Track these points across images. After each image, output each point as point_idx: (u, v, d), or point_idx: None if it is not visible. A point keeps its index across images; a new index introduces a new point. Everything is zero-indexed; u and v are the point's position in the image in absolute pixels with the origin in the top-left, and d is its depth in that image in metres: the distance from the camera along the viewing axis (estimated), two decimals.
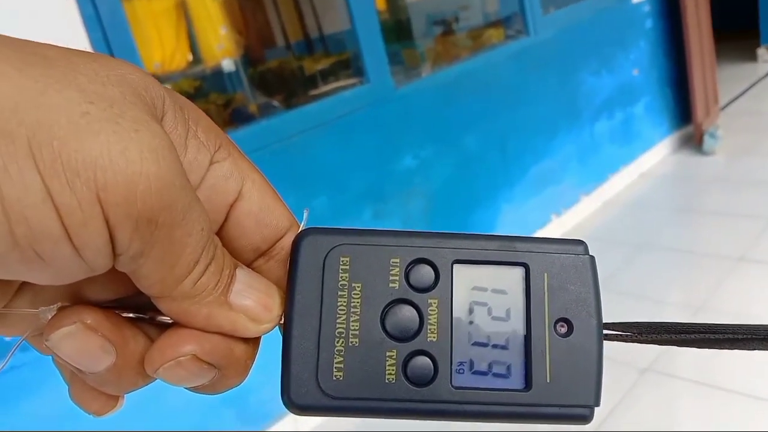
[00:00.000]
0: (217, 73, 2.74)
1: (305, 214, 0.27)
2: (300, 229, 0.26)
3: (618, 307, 2.27)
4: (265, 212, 0.25)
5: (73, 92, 0.19)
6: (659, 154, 3.55)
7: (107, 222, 0.19)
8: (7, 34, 0.19)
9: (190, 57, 2.78)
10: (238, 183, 0.25)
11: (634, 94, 3.36)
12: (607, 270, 2.50)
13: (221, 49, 2.76)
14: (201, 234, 0.22)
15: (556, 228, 2.87)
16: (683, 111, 3.62)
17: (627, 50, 3.31)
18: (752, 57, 5.21)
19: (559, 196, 2.92)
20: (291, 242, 0.26)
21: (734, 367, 1.81)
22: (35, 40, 0.20)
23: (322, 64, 2.68)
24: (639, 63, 3.39)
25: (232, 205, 0.25)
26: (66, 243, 0.19)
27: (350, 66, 2.43)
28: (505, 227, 2.65)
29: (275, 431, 1.87)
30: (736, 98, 4.30)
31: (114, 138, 0.19)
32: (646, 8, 3.42)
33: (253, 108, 2.55)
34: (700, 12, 3.47)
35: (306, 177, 2.03)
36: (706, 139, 3.44)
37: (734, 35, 5.36)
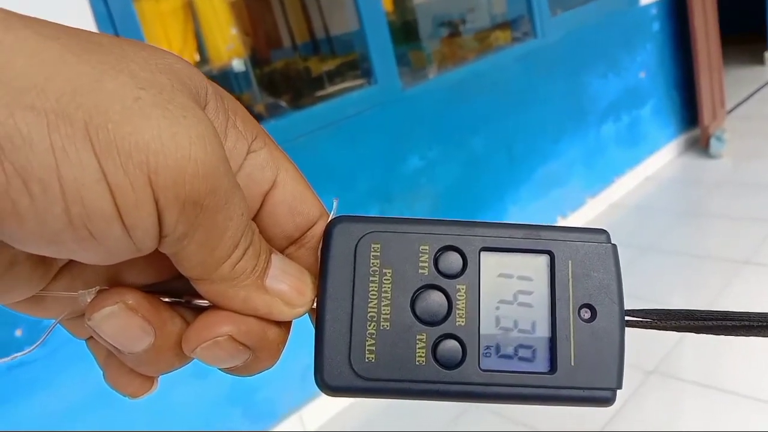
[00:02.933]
0: (224, 73, 2.74)
1: (335, 203, 0.28)
2: (330, 218, 0.27)
3: None
4: (298, 201, 0.26)
5: (126, 78, 0.19)
6: (665, 157, 3.55)
7: (157, 204, 0.20)
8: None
9: (198, 57, 2.79)
10: (273, 172, 0.26)
11: (640, 97, 3.37)
12: None
13: (231, 49, 2.77)
14: (241, 219, 0.22)
15: None
16: (690, 114, 3.62)
17: (634, 53, 3.31)
18: (759, 60, 5.20)
19: (564, 198, 2.92)
20: (322, 230, 0.27)
21: (739, 369, 1.82)
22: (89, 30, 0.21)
23: (329, 65, 2.69)
24: (646, 66, 3.39)
25: (267, 194, 0.26)
26: (118, 223, 0.19)
27: (357, 67, 2.44)
28: None
29: (281, 430, 1.88)
30: (743, 102, 4.30)
31: (164, 123, 0.19)
32: (654, 11, 3.43)
33: (260, 108, 2.56)
34: (708, 15, 3.48)
35: (313, 177, 2.01)
36: (713, 142, 3.44)
37: (741, 38, 5.35)
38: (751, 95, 4.42)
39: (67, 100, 0.18)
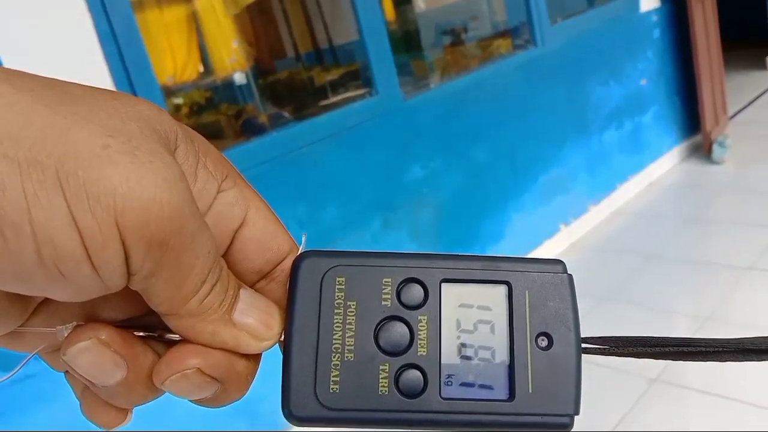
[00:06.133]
0: (228, 84, 2.76)
1: (303, 238, 0.28)
2: (299, 252, 0.28)
3: (626, 316, 2.27)
4: (267, 237, 0.27)
5: (95, 127, 0.21)
6: (668, 163, 3.55)
7: (123, 244, 0.21)
8: (40, 74, 0.22)
9: (201, 68, 2.81)
10: (243, 210, 0.27)
11: (642, 104, 3.37)
12: (616, 280, 2.50)
13: (233, 62, 2.78)
14: (208, 257, 0.23)
15: (564, 237, 2.87)
16: (692, 120, 3.62)
17: (635, 60, 3.32)
18: (761, 66, 5.19)
19: (567, 205, 2.92)
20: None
21: (743, 377, 1.81)
22: (62, 79, 0.22)
23: (332, 75, 2.70)
24: (647, 72, 3.39)
25: (237, 231, 0.27)
26: (86, 263, 0.20)
27: (359, 77, 2.45)
28: (513, 237, 2.65)
29: None
30: (745, 107, 4.29)
31: (131, 168, 0.21)
32: (654, 18, 3.43)
33: (263, 118, 2.57)
34: (709, 21, 3.48)
35: (316, 187, 2.05)
36: (715, 148, 3.44)
37: (743, 44, 5.34)
38: (753, 100, 4.42)
39: (39, 149, 0.19)
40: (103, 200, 0.20)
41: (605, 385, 1.82)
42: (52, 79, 0.22)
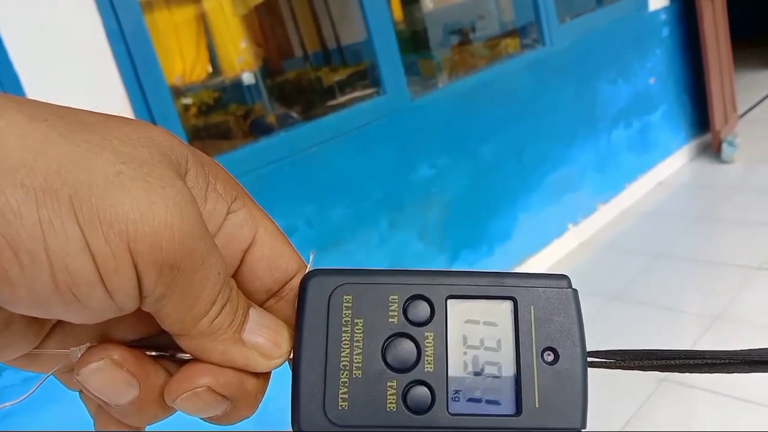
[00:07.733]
0: (237, 84, 2.76)
1: (311, 257, 0.29)
2: (306, 271, 0.28)
3: (635, 316, 2.27)
4: (276, 256, 0.28)
5: (108, 154, 0.21)
6: (677, 162, 3.54)
7: (136, 268, 0.21)
8: (56, 103, 0.22)
9: (210, 68, 2.81)
10: (252, 230, 0.27)
11: (651, 103, 3.36)
12: (625, 279, 2.49)
13: (241, 62, 2.79)
14: (218, 278, 0.24)
15: (573, 237, 2.87)
16: (701, 119, 3.61)
17: (644, 59, 3.30)
18: None
19: (576, 205, 2.92)
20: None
21: (751, 377, 1.80)
22: (78, 108, 0.23)
23: (340, 75, 2.70)
24: (656, 71, 3.38)
25: (246, 251, 0.27)
26: (100, 287, 0.21)
27: (367, 77, 2.45)
28: (522, 236, 2.65)
29: None
30: (755, 106, 4.26)
31: (143, 194, 0.21)
32: (663, 16, 3.42)
33: (271, 119, 2.57)
34: (718, 19, 3.46)
35: (324, 187, 2.05)
36: (725, 147, 3.42)
37: (753, 42, 5.30)
38: (763, 99, 4.38)
39: (54, 178, 0.20)
40: (116, 226, 0.21)
41: (615, 385, 1.81)
42: (65, 107, 0.22)
